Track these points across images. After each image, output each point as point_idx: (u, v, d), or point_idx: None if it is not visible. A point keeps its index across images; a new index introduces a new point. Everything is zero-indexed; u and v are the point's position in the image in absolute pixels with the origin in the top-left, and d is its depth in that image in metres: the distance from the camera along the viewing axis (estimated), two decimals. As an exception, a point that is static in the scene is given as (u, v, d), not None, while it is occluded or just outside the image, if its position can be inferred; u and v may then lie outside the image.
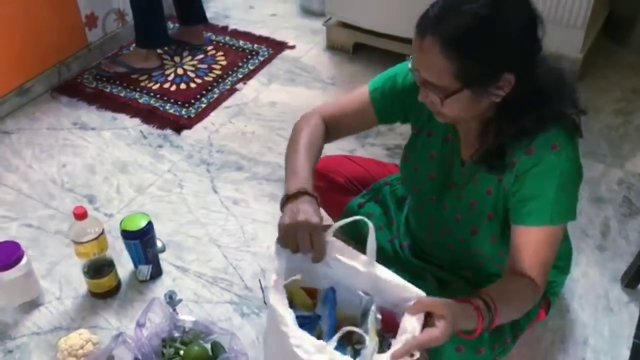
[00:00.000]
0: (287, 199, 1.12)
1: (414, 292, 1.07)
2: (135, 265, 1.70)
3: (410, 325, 1.00)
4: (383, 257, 1.31)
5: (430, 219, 1.38)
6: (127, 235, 1.63)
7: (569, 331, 1.57)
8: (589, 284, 1.69)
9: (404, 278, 1.12)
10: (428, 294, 1.10)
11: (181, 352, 1.46)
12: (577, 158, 1.17)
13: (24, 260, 1.58)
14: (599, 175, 2.04)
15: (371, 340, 1.03)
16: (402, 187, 1.52)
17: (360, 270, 1.10)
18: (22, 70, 2.37)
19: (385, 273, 1.10)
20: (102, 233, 1.59)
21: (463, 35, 1.03)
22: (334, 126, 1.36)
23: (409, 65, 1.15)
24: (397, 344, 0.99)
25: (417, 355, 0.98)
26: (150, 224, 1.64)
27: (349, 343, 1.07)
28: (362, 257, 1.12)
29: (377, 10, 2.49)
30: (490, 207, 1.24)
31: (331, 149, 1.45)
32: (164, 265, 1.77)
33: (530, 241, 1.17)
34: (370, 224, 1.09)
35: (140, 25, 2.48)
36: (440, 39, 1.04)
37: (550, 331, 1.57)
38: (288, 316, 1.03)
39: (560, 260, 1.44)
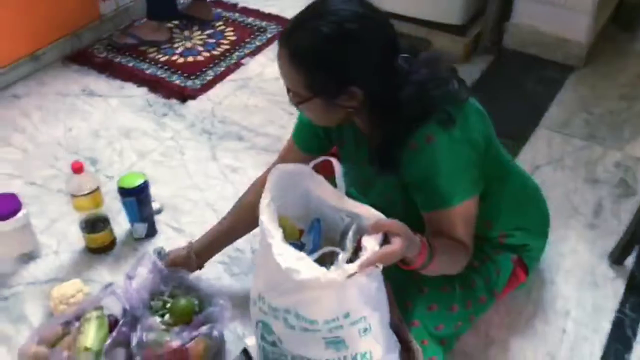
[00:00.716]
0: None
1: (379, 215, 1.15)
2: (131, 223, 1.74)
3: (370, 244, 1.08)
4: None
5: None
6: (123, 192, 1.67)
7: (550, 303, 1.58)
8: (577, 260, 1.69)
9: None
10: None
11: (168, 305, 1.50)
12: (457, 141, 1.20)
13: (21, 213, 1.64)
14: (597, 157, 2.04)
15: (346, 252, 1.11)
16: None
17: (338, 202, 1.21)
18: (36, 38, 2.43)
19: (358, 205, 1.20)
20: (98, 189, 1.64)
21: (305, 49, 1.14)
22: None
23: None
24: (360, 259, 1.08)
25: (380, 267, 1.08)
26: (146, 182, 1.69)
27: (331, 263, 1.12)
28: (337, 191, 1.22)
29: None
30: (401, 196, 1.31)
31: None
32: (160, 226, 1.82)
33: (442, 222, 1.24)
34: (336, 162, 1.19)
35: None
36: (288, 51, 1.15)
37: (532, 303, 1.58)
38: (275, 231, 1.13)
39: (531, 224, 1.47)
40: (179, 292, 1.54)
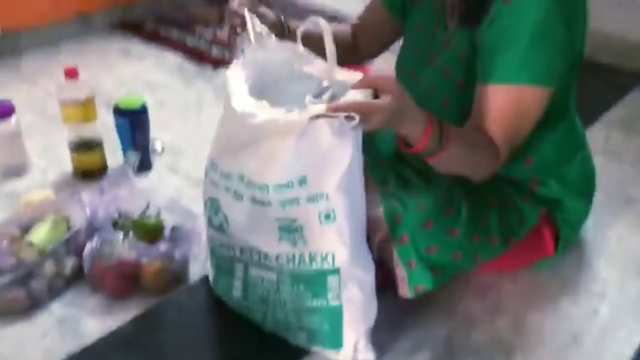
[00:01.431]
0: None
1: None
2: (123, 152, 1.62)
3: (351, 95, 0.89)
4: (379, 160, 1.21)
5: None
6: (118, 112, 1.56)
7: (584, 283, 1.29)
8: (623, 247, 1.40)
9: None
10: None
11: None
12: (559, 14, 0.99)
13: (13, 118, 1.56)
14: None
15: (318, 101, 0.92)
16: None
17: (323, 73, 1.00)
18: (89, 1, 2.46)
19: (346, 73, 0.98)
20: (92, 100, 1.53)
21: None
22: (359, 31, 1.35)
23: None
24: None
25: (356, 120, 0.85)
26: (144, 107, 1.57)
27: None
28: (323, 63, 1.01)
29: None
30: (461, 73, 1.09)
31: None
32: (158, 166, 1.68)
33: (494, 101, 1.01)
34: (325, 24, 0.97)
35: None
36: None
37: (560, 280, 1.30)
38: (240, 86, 0.98)
39: (572, 178, 1.21)
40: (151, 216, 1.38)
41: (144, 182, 1.60)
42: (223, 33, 2.50)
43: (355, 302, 0.99)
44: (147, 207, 1.37)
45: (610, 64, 2.25)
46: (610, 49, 2.25)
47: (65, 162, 1.66)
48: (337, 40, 1.22)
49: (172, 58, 2.31)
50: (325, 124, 0.88)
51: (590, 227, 1.39)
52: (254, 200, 0.97)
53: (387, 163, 1.21)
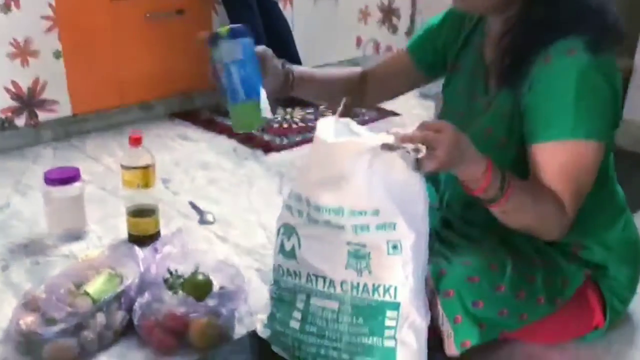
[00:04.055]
0: None
1: None
2: (249, 95, 1.10)
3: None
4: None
5: None
6: (233, 33, 1.11)
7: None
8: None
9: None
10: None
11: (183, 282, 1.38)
12: (601, 63, 1.03)
13: (77, 183, 1.66)
14: None
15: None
16: None
17: None
18: (151, 90, 2.64)
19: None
20: (151, 167, 1.63)
21: None
22: (371, 72, 1.40)
23: None
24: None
25: (423, 151, 0.92)
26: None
27: None
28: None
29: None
30: (504, 131, 1.13)
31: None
32: (207, 233, 1.75)
33: (554, 159, 1.04)
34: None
35: None
36: None
37: (610, 353, 1.26)
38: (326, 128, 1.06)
39: (616, 244, 1.21)
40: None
41: (195, 246, 1.66)
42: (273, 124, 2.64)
43: (408, 347, 1.00)
44: (197, 268, 1.42)
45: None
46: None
47: (120, 230, 1.73)
48: (341, 80, 1.37)
49: (226, 142, 2.44)
50: (398, 156, 0.95)
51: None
52: (328, 224, 1.02)
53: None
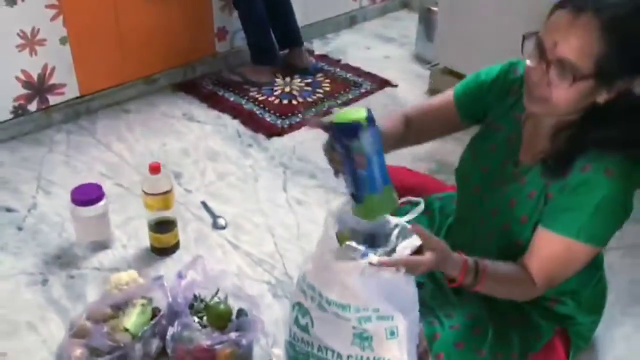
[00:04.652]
0: None
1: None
2: (372, 189, 1.09)
3: (400, 249, 1.14)
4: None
5: (467, 209, 1.42)
6: (365, 121, 1.05)
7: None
8: (629, 348, 1.60)
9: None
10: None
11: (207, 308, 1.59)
12: (627, 193, 1.17)
13: (102, 202, 1.81)
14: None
15: (386, 247, 1.17)
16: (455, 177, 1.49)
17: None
18: (154, 63, 2.71)
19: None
20: (170, 192, 1.78)
21: (630, 20, 1.05)
22: (416, 119, 1.42)
23: (529, 41, 1.14)
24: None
25: (403, 271, 1.12)
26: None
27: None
28: None
29: (489, 61, 2.55)
30: (527, 211, 1.26)
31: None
32: (221, 242, 1.94)
33: (548, 247, 1.21)
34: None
35: (251, 43, 2.78)
36: (605, 18, 1.04)
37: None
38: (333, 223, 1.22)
39: (586, 295, 1.41)
40: (220, 299, 1.63)
41: (213, 261, 1.84)
42: (274, 97, 2.74)
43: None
44: (217, 292, 1.63)
45: None
46: None
47: (141, 235, 1.91)
48: (396, 137, 1.38)
49: (229, 123, 2.57)
50: (384, 271, 1.13)
51: (600, 328, 1.59)
52: (337, 315, 1.21)
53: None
